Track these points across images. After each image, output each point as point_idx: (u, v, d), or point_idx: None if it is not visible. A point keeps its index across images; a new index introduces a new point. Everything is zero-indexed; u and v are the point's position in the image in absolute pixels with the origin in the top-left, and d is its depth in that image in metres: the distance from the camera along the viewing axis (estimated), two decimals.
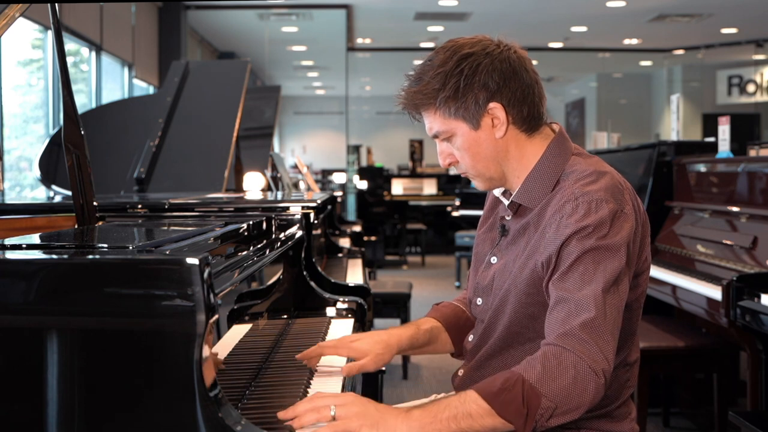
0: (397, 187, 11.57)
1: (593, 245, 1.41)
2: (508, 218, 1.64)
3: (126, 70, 8.73)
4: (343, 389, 1.57)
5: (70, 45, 7.26)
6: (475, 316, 1.71)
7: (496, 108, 1.52)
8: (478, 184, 1.62)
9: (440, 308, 1.83)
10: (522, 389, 1.31)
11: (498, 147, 1.55)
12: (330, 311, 2.25)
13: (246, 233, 1.78)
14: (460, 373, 1.73)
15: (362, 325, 2.19)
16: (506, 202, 1.63)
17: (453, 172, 11.54)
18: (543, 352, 1.37)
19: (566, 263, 1.43)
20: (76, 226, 1.81)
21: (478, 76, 1.50)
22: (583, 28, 11.84)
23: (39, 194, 6.20)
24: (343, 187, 11.86)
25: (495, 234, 1.69)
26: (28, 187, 6.61)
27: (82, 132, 1.80)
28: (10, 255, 1.17)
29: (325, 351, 1.65)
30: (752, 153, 3.68)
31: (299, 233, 2.26)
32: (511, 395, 1.31)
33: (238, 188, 4.39)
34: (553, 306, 1.42)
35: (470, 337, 1.73)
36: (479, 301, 1.68)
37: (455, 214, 9.23)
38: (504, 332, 1.59)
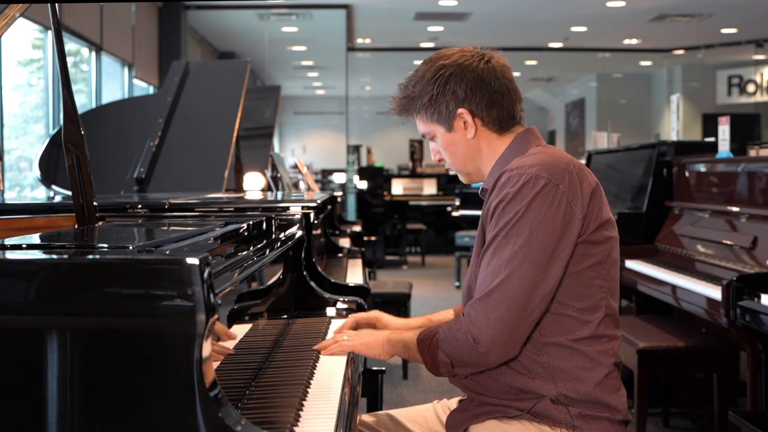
0: (397, 187, 11.57)
1: (507, 221, 1.57)
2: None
3: (126, 70, 8.73)
4: (343, 386, 1.57)
5: (70, 45, 7.26)
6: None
7: (463, 113, 1.71)
8: (461, 178, 1.83)
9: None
10: (431, 344, 1.65)
11: (470, 146, 1.74)
12: (330, 311, 2.25)
13: (246, 233, 1.78)
14: None
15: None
16: (481, 195, 1.80)
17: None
18: (456, 318, 1.66)
19: (488, 240, 1.61)
20: (76, 226, 1.81)
21: (448, 85, 1.70)
22: (583, 28, 11.83)
23: (39, 194, 6.20)
24: (343, 187, 11.86)
25: None
26: (28, 187, 6.61)
27: (82, 132, 1.80)
28: (10, 255, 1.17)
29: (359, 319, 1.96)
30: (752, 153, 3.68)
31: (299, 233, 2.26)
32: (424, 346, 1.66)
33: (238, 188, 4.38)
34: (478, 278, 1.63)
35: None
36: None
37: (455, 214, 9.22)
38: None
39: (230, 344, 1.53)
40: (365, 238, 5.86)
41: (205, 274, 1.09)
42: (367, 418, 1.87)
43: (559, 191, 1.57)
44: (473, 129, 1.71)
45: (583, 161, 3.36)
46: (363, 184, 11.05)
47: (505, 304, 1.53)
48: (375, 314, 1.96)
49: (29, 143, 6.76)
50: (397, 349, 1.74)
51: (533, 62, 14.83)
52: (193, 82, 4.04)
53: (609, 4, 10.13)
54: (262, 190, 4.74)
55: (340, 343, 1.79)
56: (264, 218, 1.98)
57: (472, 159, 1.75)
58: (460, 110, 1.70)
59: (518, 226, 1.55)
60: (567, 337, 1.60)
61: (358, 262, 3.55)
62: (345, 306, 2.25)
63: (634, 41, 13.06)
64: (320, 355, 1.81)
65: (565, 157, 1.66)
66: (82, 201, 1.79)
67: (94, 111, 4.87)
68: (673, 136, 4.63)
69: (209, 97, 4.07)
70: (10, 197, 5.63)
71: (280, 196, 3.57)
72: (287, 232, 2.17)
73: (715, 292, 2.90)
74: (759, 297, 2.65)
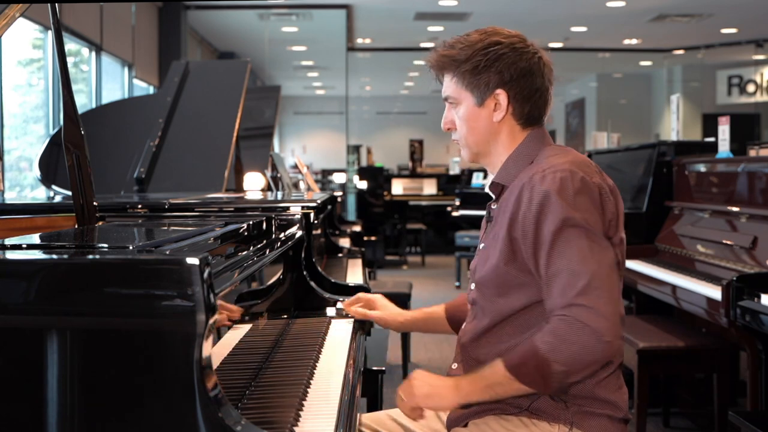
0: (397, 187, 11.57)
1: (566, 215, 1.55)
2: (494, 207, 1.76)
3: (126, 70, 8.73)
4: (343, 386, 1.57)
5: (70, 45, 7.26)
6: (468, 301, 1.82)
7: (501, 94, 1.69)
8: (464, 154, 1.79)
9: (458, 297, 2.03)
10: (536, 360, 1.51)
11: (492, 128, 1.72)
12: (330, 311, 2.25)
13: (246, 233, 1.78)
14: (454, 366, 1.80)
15: (362, 324, 2.19)
16: (488, 189, 1.77)
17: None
18: (554, 324, 1.52)
19: (548, 239, 1.56)
20: (76, 226, 1.81)
21: (497, 63, 1.68)
22: (583, 28, 11.84)
23: (39, 194, 6.20)
24: (343, 187, 11.87)
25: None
26: (28, 187, 6.61)
27: (82, 132, 1.80)
28: (10, 255, 1.17)
29: (360, 299, 2.09)
30: (752, 153, 3.68)
31: (299, 233, 2.26)
32: (528, 367, 1.53)
33: (238, 188, 4.38)
34: (547, 281, 1.57)
35: (464, 325, 1.82)
36: (472, 285, 1.79)
37: (455, 214, 9.22)
38: (487, 310, 1.70)
39: (230, 344, 1.53)
40: (365, 238, 5.86)
41: (205, 274, 1.08)
42: (367, 418, 1.87)
43: (594, 184, 1.60)
44: (502, 114, 1.70)
45: None
46: (363, 184, 11.05)
47: (605, 291, 1.52)
48: (375, 296, 2.08)
49: (29, 143, 6.76)
50: (474, 393, 1.59)
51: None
52: (193, 82, 4.04)
53: (609, 4, 10.14)
54: (262, 190, 4.74)
55: (401, 403, 1.66)
56: (264, 218, 1.98)
57: (487, 141, 1.73)
58: (499, 91, 1.68)
59: (575, 219, 1.55)
60: None
61: (358, 262, 3.55)
62: None
63: (634, 41, 13.06)
64: (320, 355, 1.81)
65: (585, 157, 1.69)
66: (82, 201, 1.79)
67: (94, 111, 4.87)
68: (673, 136, 4.63)
69: (209, 97, 4.07)
70: (10, 197, 5.63)
71: (280, 196, 3.58)
72: (287, 232, 2.17)
73: (715, 292, 2.90)
74: (759, 297, 2.65)
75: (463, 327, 1.82)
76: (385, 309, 2.07)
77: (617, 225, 1.64)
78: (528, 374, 1.53)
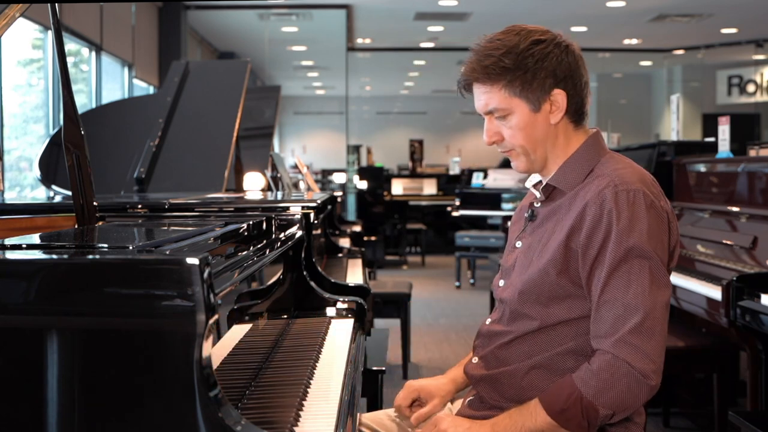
0: (397, 187, 11.57)
1: (633, 244, 1.50)
2: (537, 205, 1.71)
3: (126, 70, 8.73)
4: (343, 386, 1.57)
5: (70, 45, 7.26)
6: (497, 297, 1.76)
7: (559, 94, 1.61)
8: (519, 164, 1.69)
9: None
10: (581, 406, 1.50)
11: (549, 132, 1.64)
12: (330, 311, 2.25)
13: (246, 233, 1.77)
14: (474, 360, 1.76)
15: (362, 324, 2.19)
16: (536, 193, 1.71)
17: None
18: (598, 365, 1.50)
19: (610, 263, 1.51)
20: (76, 226, 1.81)
21: (548, 62, 1.59)
22: (583, 28, 11.83)
23: (39, 194, 6.20)
24: (343, 187, 11.86)
25: (524, 221, 1.76)
26: (28, 187, 6.61)
27: (82, 132, 1.80)
28: (10, 255, 1.17)
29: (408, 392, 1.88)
30: (752, 153, 3.68)
31: (299, 233, 2.26)
32: (572, 413, 1.50)
33: (238, 188, 4.38)
34: (599, 305, 1.53)
35: (488, 321, 1.77)
36: (501, 282, 1.75)
37: (455, 214, 9.19)
38: (521, 315, 1.64)
39: (230, 344, 1.53)
40: (365, 238, 5.86)
41: (205, 274, 1.08)
42: (367, 418, 1.87)
43: (661, 207, 1.56)
44: (560, 114, 1.62)
45: None
46: (363, 184, 11.05)
47: (657, 333, 1.50)
48: (414, 383, 1.88)
49: (29, 143, 6.76)
50: None
51: None
52: (193, 82, 4.04)
53: (609, 4, 10.13)
54: (262, 190, 4.74)
55: None
56: (264, 218, 1.98)
57: (545, 146, 1.64)
58: (556, 91, 1.60)
59: (642, 250, 1.50)
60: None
61: (358, 262, 3.55)
62: (345, 306, 2.25)
63: (634, 41, 13.06)
64: (320, 355, 1.81)
65: (648, 173, 1.63)
66: (82, 201, 1.79)
67: (94, 111, 4.87)
68: (673, 136, 4.63)
69: (209, 97, 4.07)
70: (10, 197, 5.63)
71: (280, 196, 3.58)
72: (287, 232, 2.17)
73: (715, 292, 2.90)
74: (759, 297, 2.65)
75: (487, 322, 1.76)
76: (430, 392, 1.88)
77: (674, 254, 1.61)
78: (573, 420, 1.50)
